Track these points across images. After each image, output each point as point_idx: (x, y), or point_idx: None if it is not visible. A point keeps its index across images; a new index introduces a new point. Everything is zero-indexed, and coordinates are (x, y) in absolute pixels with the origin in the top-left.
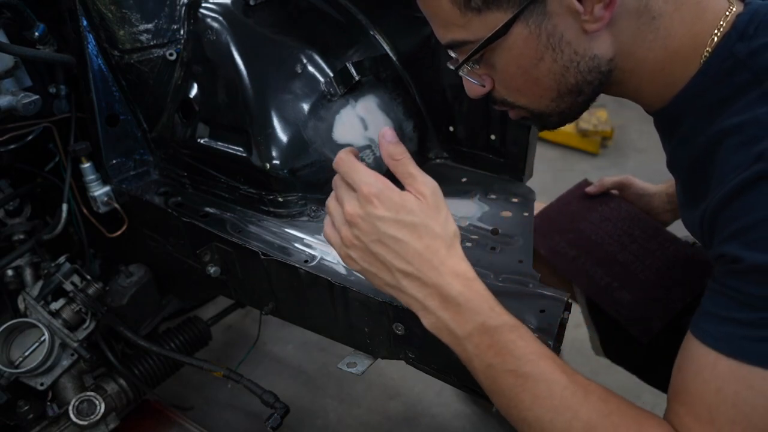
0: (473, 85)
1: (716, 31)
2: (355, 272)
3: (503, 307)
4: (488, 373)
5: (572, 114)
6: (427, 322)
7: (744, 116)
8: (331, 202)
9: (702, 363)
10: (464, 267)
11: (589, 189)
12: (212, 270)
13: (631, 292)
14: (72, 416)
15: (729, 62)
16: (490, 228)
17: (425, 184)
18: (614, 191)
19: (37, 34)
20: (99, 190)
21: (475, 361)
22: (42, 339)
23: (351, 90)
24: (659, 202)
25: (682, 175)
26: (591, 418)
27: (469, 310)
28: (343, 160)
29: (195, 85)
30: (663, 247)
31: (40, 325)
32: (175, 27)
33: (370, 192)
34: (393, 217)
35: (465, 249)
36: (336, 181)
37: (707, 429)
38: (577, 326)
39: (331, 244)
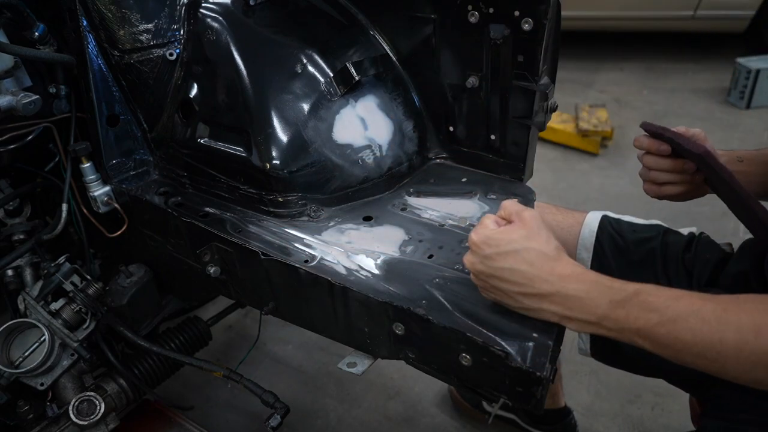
0: None
1: None
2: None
3: (621, 281)
4: (640, 339)
5: None
6: (569, 326)
7: None
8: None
9: None
10: (572, 267)
11: (680, 129)
12: (212, 270)
13: None
14: (72, 416)
15: None
16: None
17: (526, 211)
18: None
19: (37, 34)
20: (99, 190)
21: (623, 335)
22: (42, 339)
23: (351, 90)
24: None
25: None
26: (755, 317)
27: (591, 299)
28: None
29: (195, 85)
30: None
31: (40, 325)
32: (175, 27)
33: (477, 240)
34: (497, 252)
35: (465, 249)
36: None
37: None
38: None
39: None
